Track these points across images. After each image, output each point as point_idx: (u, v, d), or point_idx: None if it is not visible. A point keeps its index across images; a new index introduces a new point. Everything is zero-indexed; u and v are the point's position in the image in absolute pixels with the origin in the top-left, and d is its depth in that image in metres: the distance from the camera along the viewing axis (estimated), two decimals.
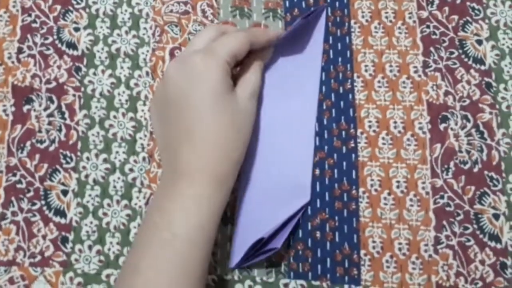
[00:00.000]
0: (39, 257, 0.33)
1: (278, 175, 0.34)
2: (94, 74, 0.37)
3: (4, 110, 0.36)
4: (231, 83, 0.31)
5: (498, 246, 0.33)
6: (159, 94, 0.32)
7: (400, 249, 0.33)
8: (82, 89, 0.36)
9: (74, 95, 0.36)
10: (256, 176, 0.34)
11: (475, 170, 0.34)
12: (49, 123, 0.36)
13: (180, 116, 0.30)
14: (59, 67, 0.37)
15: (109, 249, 0.33)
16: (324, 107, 0.35)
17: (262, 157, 0.34)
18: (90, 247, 0.34)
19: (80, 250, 0.33)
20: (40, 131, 0.35)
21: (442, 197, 0.34)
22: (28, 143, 0.35)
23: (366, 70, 0.36)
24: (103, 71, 0.37)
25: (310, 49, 0.36)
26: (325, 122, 0.35)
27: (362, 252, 0.33)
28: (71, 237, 0.34)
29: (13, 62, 0.37)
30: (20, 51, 0.37)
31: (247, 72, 0.33)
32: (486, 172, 0.34)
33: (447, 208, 0.34)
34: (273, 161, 0.34)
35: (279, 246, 0.32)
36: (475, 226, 0.33)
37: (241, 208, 0.33)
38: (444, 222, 0.33)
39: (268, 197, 0.33)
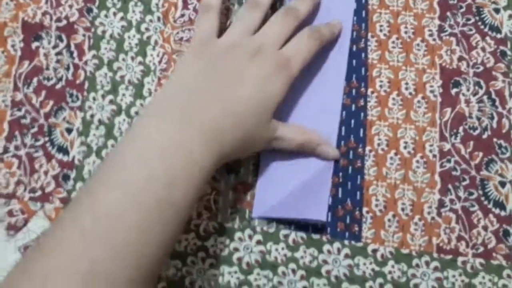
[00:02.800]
0: (39, 192, 0.33)
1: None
2: (106, 16, 0.36)
3: (13, 45, 0.35)
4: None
5: (503, 213, 0.33)
6: (220, 59, 0.31)
7: (403, 209, 0.33)
8: (93, 29, 0.36)
9: (84, 35, 0.36)
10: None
11: (484, 136, 0.34)
12: (57, 61, 0.35)
13: (227, 99, 0.29)
14: (70, 6, 0.36)
15: None
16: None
17: (290, 113, 0.34)
18: None
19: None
20: (47, 69, 0.35)
21: (449, 161, 0.33)
22: (35, 80, 0.35)
23: (381, 30, 0.36)
24: (114, 14, 0.36)
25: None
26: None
27: (365, 209, 0.33)
28: (73, 174, 0.33)
29: None
30: None
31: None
32: (495, 140, 0.34)
33: (453, 172, 0.33)
34: (301, 115, 0.33)
35: (324, 219, 0.32)
36: (480, 192, 0.33)
37: (266, 160, 0.33)
38: (449, 186, 0.33)
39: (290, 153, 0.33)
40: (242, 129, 0.29)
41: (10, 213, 0.33)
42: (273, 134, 0.31)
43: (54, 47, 0.35)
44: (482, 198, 0.33)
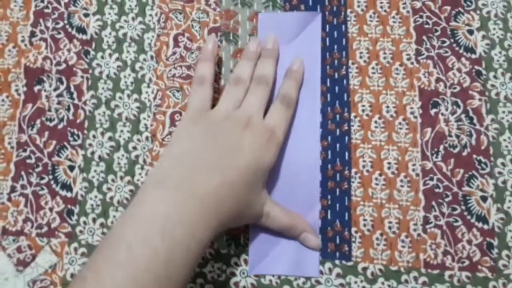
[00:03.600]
0: (45, 228, 0.35)
1: (288, 181, 0.35)
2: (102, 57, 0.38)
3: (16, 90, 0.38)
4: None
5: (485, 227, 0.34)
6: (213, 126, 0.32)
7: (390, 228, 0.34)
8: (90, 71, 0.38)
9: (82, 77, 0.38)
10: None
11: (464, 153, 0.35)
12: (58, 103, 0.38)
13: (216, 166, 0.30)
14: (69, 50, 0.39)
15: (112, 222, 0.35)
16: (320, 92, 0.37)
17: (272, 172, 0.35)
18: (94, 220, 0.35)
19: (84, 222, 0.35)
20: (49, 110, 0.37)
21: (431, 179, 0.35)
22: (38, 121, 0.37)
23: (360, 57, 0.38)
24: (110, 55, 0.38)
25: (308, 61, 0.37)
26: (320, 106, 0.37)
27: (353, 229, 0.34)
28: (76, 210, 0.35)
29: (26, 45, 0.39)
30: (32, 34, 0.39)
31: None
32: (474, 156, 0.35)
33: (436, 190, 0.35)
34: (283, 170, 0.35)
35: (317, 275, 0.33)
36: (463, 207, 0.35)
37: None
38: (433, 203, 0.35)
39: (282, 202, 0.35)
40: (237, 199, 0.30)
41: (19, 250, 0.35)
42: (261, 207, 0.33)
43: (55, 89, 0.38)
44: (465, 213, 0.34)
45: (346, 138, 0.36)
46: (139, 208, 0.28)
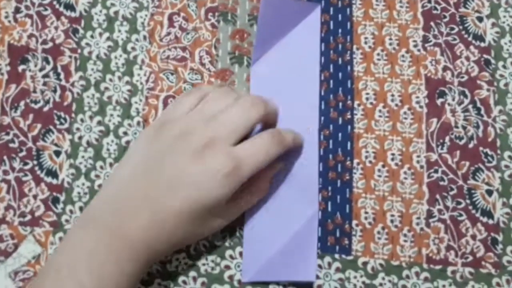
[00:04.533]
0: (29, 217, 0.33)
1: (286, 184, 0.33)
2: (92, 36, 0.36)
3: None
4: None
5: (490, 221, 0.33)
6: (169, 139, 0.29)
7: (392, 221, 0.33)
8: (79, 51, 0.36)
9: (70, 57, 0.36)
10: None
11: (470, 146, 0.34)
12: (44, 84, 0.35)
13: (167, 194, 0.28)
14: (56, 28, 0.36)
15: None
16: (322, 78, 0.35)
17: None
18: (81, 209, 0.33)
19: (71, 211, 0.33)
20: (34, 91, 0.35)
21: (436, 171, 0.34)
22: (22, 103, 0.35)
23: (365, 43, 0.36)
24: (100, 34, 0.36)
25: (307, 52, 0.35)
26: (322, 93, 0.35)
27: (354, 222, 0.33)
28: (62, 198, 0.33)
29: (10, 22, 0.36)
30: (17, 10, 0.36)
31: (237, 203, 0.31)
32: (481, 148, 0.34)
33: (441, 183, 0.34)
34: (280, 171, 0.33)
35: (313, 279, 0.32)
36: (468, 201, 0.33)
37: (249, 221, 0.33)
38: (437, 196, 0.33)
39: (276, 207, 0.33)
40: (172, 237, 0.28)
41: (0, 239, 0.33)
42: (217, 227, 0.30)
43: (41, 69, 0.36)
44: (470, 207, 0.33)
45: (349, 127, 0.34)
46: (70, 242, 0.27)
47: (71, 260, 0.26)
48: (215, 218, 0.30)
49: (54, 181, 0.34)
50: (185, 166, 0.27)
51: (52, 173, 0.34)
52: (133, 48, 0.36)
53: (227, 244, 0.33)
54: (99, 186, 0.34)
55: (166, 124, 0.30)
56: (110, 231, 0.27)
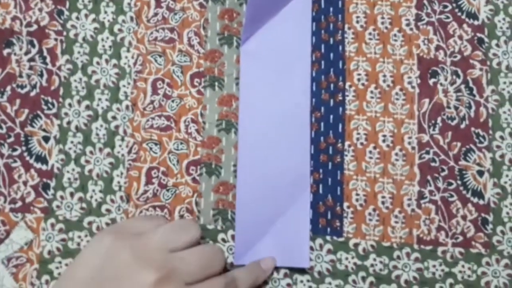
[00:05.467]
0: (19, 203, 0.33)
1: (277, 167, 0.33)
2: (77, 18, 0.35)
3: None
4: None
5: (481, 202, 0.33)
6: (116, 253, 0.26)
7: (383, 203, 0.33)
8: (64, 33, 0.35)
9: (56, 39, 0.35)
10: (254, 170, 0.33)
11: (462, 126, 0.34)
12: (30, 68, 0.35)
13: None
14: (40, 9, 0.35)
15: (91, 197, 0.33)
16: (313, 58, 0.35)
17: (259, 151, 0.33)
18: (72, 194, 0.33)
19: (61, 197, 0.33)
20: (20, 76, 0.34)
21: (427, 152, 0.34)
22: (8, 88, 0.34)
23: (357, 22, 0.35)
24: (86, 16, 0.35)
25: (298, 32, 0.35)
26: (313, 74, 0.34)
27: (345, 204, 0.33)
28: (52, 183, 0.33)
29: None
30: None
31: None
32: (473, 129, 0.34)
33: (432, 164, 0.33)
34: (271, 154, 0.33)
35: (307, 265, 0.32)
36: (459, 182, 0.33)
37: (241, 203, 0.33)
38: (429, 177, 0.33)
39: (267, 190, 0.33)
40: None
41: None
42: None
43: (26, 53, 0.35)
44: (461, 188, 0.33)
45: (340, 109, 0.34)
46: None
47: None
48: None
49: (44, 167, 0.33)
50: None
51: (42, 159, 0.34)
52: (120, 30, 0.35)
53: (219, 227, 0.33)
54: (90, 171, 0.33)
55: (122, 243, 0.27)
56: None
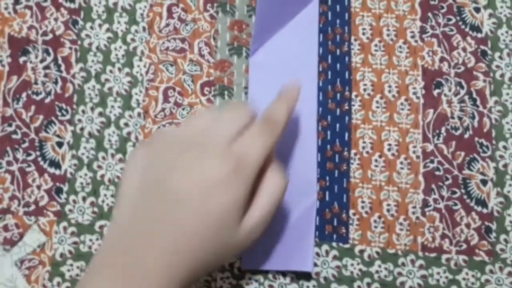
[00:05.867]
0: (33, 207, 0.34)
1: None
2: (91, 28, 0.36)
3: (0, 61, 0.36)
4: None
5: (484, 210, 0.34)
6: (162, 160, 0.27)
7: (388, 210, 0.34)
8: (79, 42, 0.36)
9: (70, 48, 0.36)
10: None
11: (466, 136, 0.35)
12: (45, 75, 0.36)
13: (173, 209, 0.25)
14: (56, 19, 0.36)
15: (103, 201, 0.34)
16: (320, 69, 0.36)
17: None
18: (84, 199, 0.34)
19: (74, 201, 0.34)
20: (36, 83, 0.36)
21: (432, 161, 0.34)
22: (24, 95, 0.35)
23: (363, 33, 0.36)
24: (100, 25, 0.36)
25: (305, 48, 0.36)
26: (320, 84, 0.35)
27: (351, 211, 0.34)
28: (65, 188, 0.34)
29: (9, 13, 0.36)
30: (17, 2, 0.36)
31: (262, 193, 0.28)
32: (476, 139, 0.35)
33: (437, 172, 0.34)
34: (278, 161, 0.33)
35: (310, 269, 0.32)
36: (463, 190, 0.34)
37: None
38: (433, 186, 0.34)
39: None
40: (191, 260, 0.25)
41: (5, 228, 0.33)
42: (249, 233, 0.27)
43: (42, 61, 0.36)
44: (465, 197, 0.34)
45: (347, 118, 0.35)
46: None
47: None
48: (240, 230, 0.27)
49: (57, 172, 0.34)
50: (186, 177, 0.26)
51: (55, 164, 0.34)
52: (133, 40, 0.36)
53: None
54: (102, 176, 0.34)
55: (158, 142, 0.28)
56: (126, 272, 0.25)
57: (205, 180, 0.25)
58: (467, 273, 0.33)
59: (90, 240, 0.33)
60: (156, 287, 0.24)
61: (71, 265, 0.33)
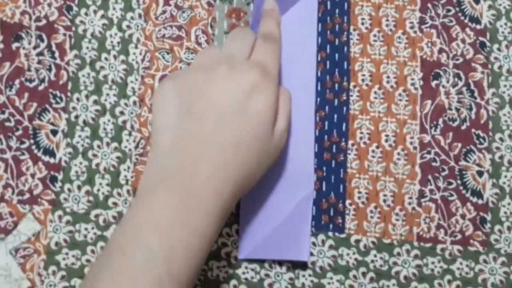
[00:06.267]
0: (27, 195, 0.33)
1: (281, 164, 0.33)
2: (86, 14, 0.36)
3: None
4: None
5: (480, 201, 0.34)
6: (189, 87, 0.28)
7: (384, 201, 0.34)
8: (73, 28, 0.35)
9: (64, 35, 0.35)
10: None
11: (463, 127, 0.35)
12: (39, 62, 0.35)
13: (219, 124, 0.27)
14: (49, 4, 0.36)
15: (98, 190, 0.34)
16: (319, 58, 0.35)
17: None
18: (79, 187, 0.34)
19: (69, 190, 0.34)
20: (29, 70, 0.35)
21: (429, 152, 0.34)
22: (17, 81, 0.35)
23: (362, 23, 0.36)
24: (95, 11, 0.36)
25: (303, 37, 0.35)
26: (319, 74, 0.35)
27: (348, 202, 0.34)
28: (60, 176, 0.34)
29: None
30: None
31: (283, 96, 0.30)
32: (473, 130, 0.35)
33: (433, 163, 0.34)
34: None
35: (306, 259, 0.32)
36: (459, 181, 0.34)
37: (246, 198, 0.33)
38: (429, 177, 0.34)
39: (272, 186, 0.33)
40: (237, 170, 0.27)
41: (0, 217, 0.33)
42: (282, 137, 0.30)
43: (35, 47, 0.35)
44: (461, 188, 0.34)
45: (344, 108, 0.35)
46: (134, 213, 0.26)
47: (139, 230, 0.25)
48: (274, 136, 0.29)
49: (52, 160, 0.34)
50: (222, 89, 0.28)
51: (49, 152, 0.34)
52: (128, 27, 0.36)
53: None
54: (97, 165, 0.34)
55: (181, 72, 0.30)
56: (173, 193, 0.26)
57: (242, 89, 0.27)
58: (461, 263, 0.33)
59: (86, 229, 0.33)
60: (203, 206, 0.26)
61: (67, 253, 0.33)
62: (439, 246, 0.33)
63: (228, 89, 0.28)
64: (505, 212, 0.34)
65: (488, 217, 0.34)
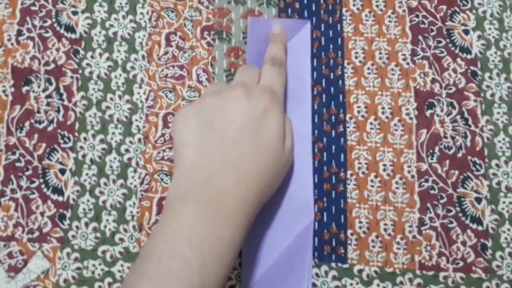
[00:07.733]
0: (37, 233, 0.34)
1: (281, 195, 0.34)
2: (92, 57, 0.37)
3: (4, 91, 0.37)
4: None
5: (480, 228, 0.34)
6: (207, 108, 0.31)
7: (385, 230, 0.34)
8: (80, 71, 0.37)
9: (72, 77, 0.37)
10: None
11: (459, 155, 0.36)
12: (48, 104, 0.37)
13: (235, 143, 0.30)
14: (57, 49, 0.37)
15: (105, 226, 0.35)
16: (315, 92, 0.37)
17: None
18: (86, 224, 0.35)
19: (77, 227, 0.35)
20: (38, 112, 0.36)
21: (426, 180, 0.35)
22: (27, 123, 0.36)
23: (356, 57, 0.37)
24: (100, 54, 0.38)
25: (298, 72, 0.37)
26: (315, 107, 0.36)
27: (349, 231, 0.34)
28: (68, 214, 0.35)
29: (12, 44, 0.38)
30: (19, 33, 0.38)
31: (287, 119, 0.33)
32: (469, 157, 0.35)
33: (431, 191, 0.35)
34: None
35: None
36: (458, 209, 0.35)
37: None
38: (428, 205, 0.35)
39: (272, 219, 0.34)
40: (261, 183, 0.29)
41: (10, 255, 0.34)
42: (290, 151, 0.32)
43: (44, 90, 0.37)
44: (460, 215, 0.35)
45: (342, 139, 0.36)
46: (165, 223, 0.28)
47: (173, 240, 0.26)
48: (284, 152, 0.31)
49: (60, 198, 0.35)
50: (241, 112, 0.30)
51: (58, 191, 0.35)
52: (133, 68, 0.37)
53: None
54: (104, 202, 0.35)
55: (198, 101, 0.32)
56: (201, 203, 0.28)
57: (256, 109, 0.31)
58: None
59: (93, 265, 0.34)
60: (230, 216, 0.28)
61: None
62: (441, 274, 0.34)
63: (244, 109, 0.31)
64: (506, 238, 0.34)
65: (489, 244, 0.34)
